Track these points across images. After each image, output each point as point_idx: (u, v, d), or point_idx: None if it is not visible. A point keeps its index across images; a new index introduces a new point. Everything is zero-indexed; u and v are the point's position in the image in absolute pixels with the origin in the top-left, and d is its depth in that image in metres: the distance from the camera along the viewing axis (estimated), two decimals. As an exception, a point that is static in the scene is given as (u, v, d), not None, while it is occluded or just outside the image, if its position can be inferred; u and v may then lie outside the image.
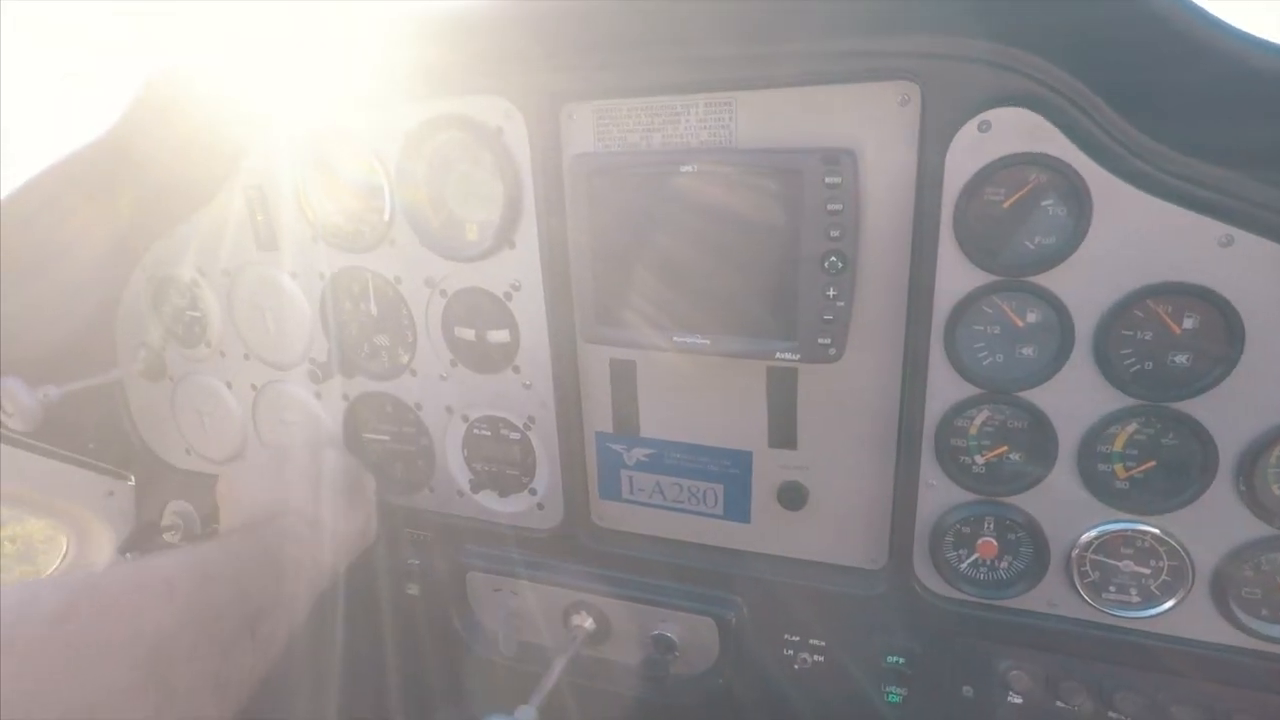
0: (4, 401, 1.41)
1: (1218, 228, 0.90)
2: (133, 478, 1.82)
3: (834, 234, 0.99)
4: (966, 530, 1.16)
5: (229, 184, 1.44)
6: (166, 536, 1.76)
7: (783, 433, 1.22)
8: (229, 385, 1.63)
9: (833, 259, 1.00)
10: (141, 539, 1.75)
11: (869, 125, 1.01)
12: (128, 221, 1.49)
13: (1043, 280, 0.99)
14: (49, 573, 1.80)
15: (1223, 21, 0.74)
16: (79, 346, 1.63)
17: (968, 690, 1.22)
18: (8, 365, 1.43)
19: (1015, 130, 0.93)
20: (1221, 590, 1.04)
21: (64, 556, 1.81)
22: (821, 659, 1.29)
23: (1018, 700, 1.19)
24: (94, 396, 1.68)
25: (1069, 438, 1.05)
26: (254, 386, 1.60)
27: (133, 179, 1.38)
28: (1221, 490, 1.00)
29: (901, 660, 1.23)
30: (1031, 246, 0.99)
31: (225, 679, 0.87)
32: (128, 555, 1.74)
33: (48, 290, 1.49)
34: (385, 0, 1.07)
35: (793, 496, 1.24)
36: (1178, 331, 0.96)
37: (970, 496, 1.13)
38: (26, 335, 1.50)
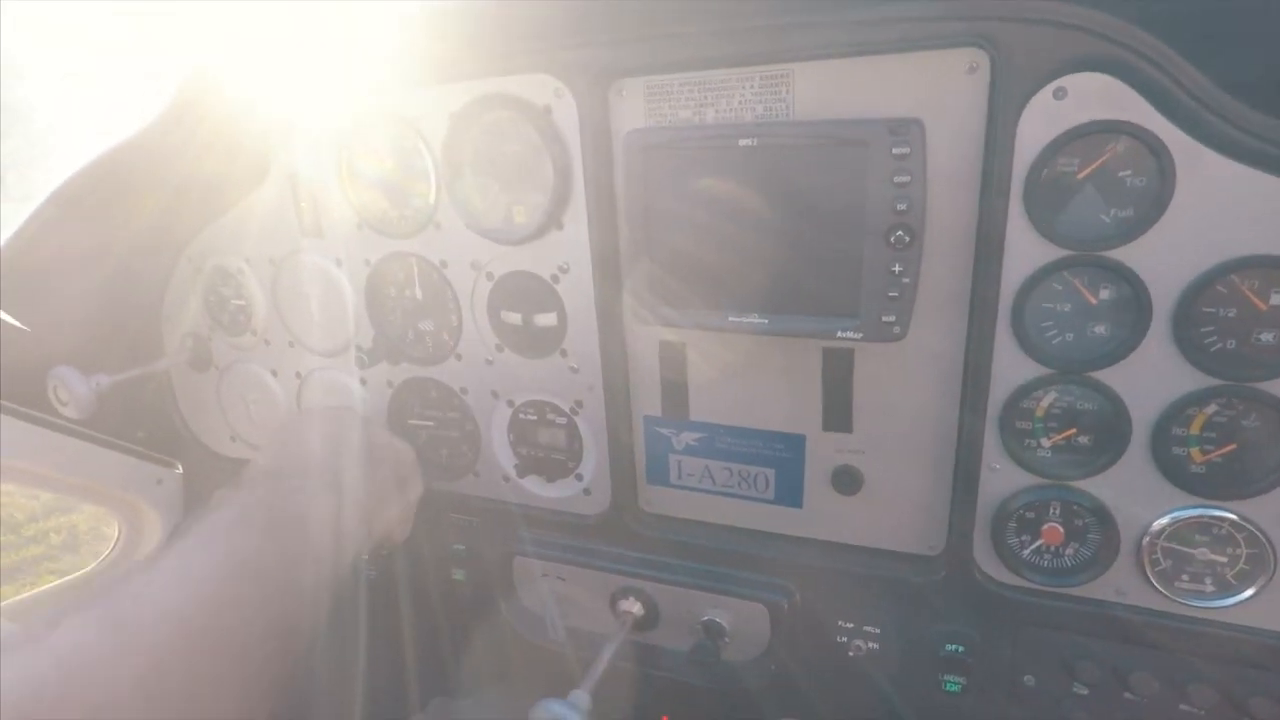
0: (59, 390, 1.43)
1: None
2: (180, 466, 1.85)
3: (900, 207, 0.95)
4: (1031, 516, 1.12)
5: (272, 172, 1.45)
6: (215, 523, 1.78)
7: (838, 416, 1.19)
8: (274, 373, 1.64)
9: (899, 233, 0.96)
10: (191, 526, 1.77)
11: (934, 95, 0.97)
12: (172, 213, 1.50)
13: (1119, 255, 0.95)
14: (103, 558, 1.83)
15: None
16: (127, 337, 1.65)
17: (1029, 680, 1.19)
18: (60, 356, 1.46)
19: (1093, 97, 0.89)
20: None
21: (116, 543, 1.84)
22: (876, 646, 1.27)
23: (1083, 691, 1.15)
24: (143, 386, 1.71)
25: (1143, 420, 1.01)
26: (298, 374, 1.61)
27: (175, 171, 1.39)
28: None
29: (961, 648, 1.20)
30: (1107, 219, 0.95)
31: (294, 624, 0.96)
32: (178, 542, 1.77)
33: (94, 283, 1.51)
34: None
35: (847, 481, 1.21)
36: (1264, 308, 0.92)
37: (1035, 480, 1.10)
38: (76, 327, 1.52)
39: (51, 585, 1.74)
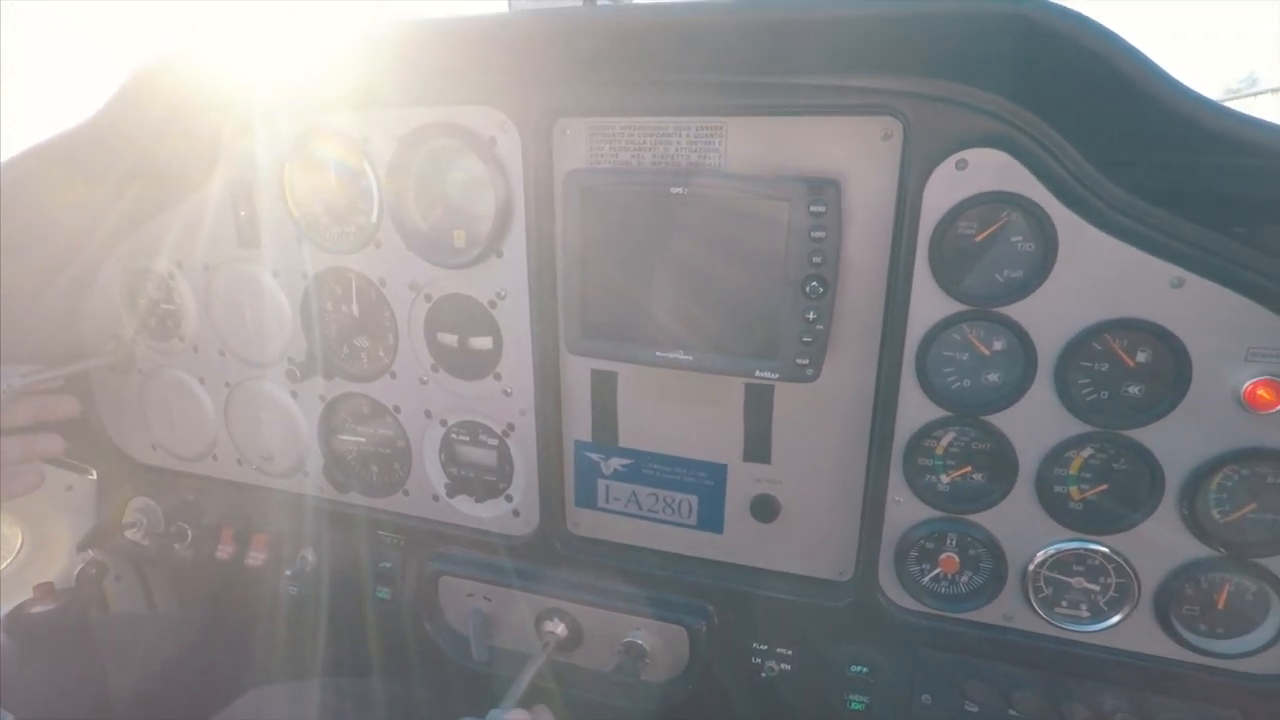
0: (-35, 391, 1.36)
1: (1170, 270, 0.96)
2: (94, 472, 1.78)
3: (816, 260, 1.03)
4: (930, 545, 1.21)
5: (212, 178, 1.43)
6: (128, 534, 1.72)
7: (757, 447, 1.26)
8: (201, 381, 1.61)
9: (814, 284, 1.04)
10: (102, 536, 1.71)
11: (852, 157, 1.05)
12: (105, 210, 1.46)
13: (1010, 311, 1.04)
14: (3, 565, 1.74)
15: (1186, 88, 0.81)
16: (45, 334, 1.59)
17: (926, 699, 1.27)
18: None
19: (990, 170, 0.99)
20: (1164, 606, 1.10)
21: (18, 553, 1.76)
22: (788, 667, 1.33)
23: (973, 709, 1.24)
24: (58, 387, 1.64)
25: (1029, 460, 1.11)
26: (227, 384, 1.58)
27: (114, 166, 1.36)
28: (1166, 513, 1.07)
29: (865, 669, 1.28)
30: (1000, 279, 1.04)
31: None
32: (88, 552, 1.70)
33: (17, 275, 1.45)
34: (388, 5, 1.08)
35: (765, 509, 1.28)
36: (1131, 365, 1.03)
37: (935, 513, 1.19)
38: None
39: (-57, 596, 1.65)
